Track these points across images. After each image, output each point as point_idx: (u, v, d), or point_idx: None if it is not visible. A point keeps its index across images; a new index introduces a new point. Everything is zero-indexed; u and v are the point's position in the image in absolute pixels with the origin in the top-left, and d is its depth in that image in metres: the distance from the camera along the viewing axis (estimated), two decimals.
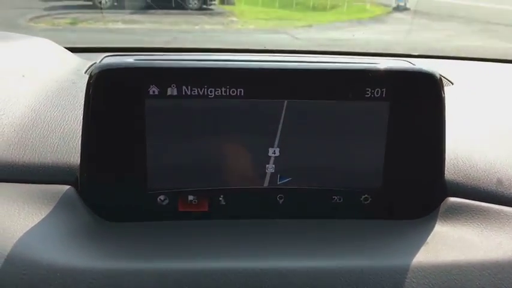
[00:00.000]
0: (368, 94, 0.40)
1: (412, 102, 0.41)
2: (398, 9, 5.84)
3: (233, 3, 4.84)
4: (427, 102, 0.41)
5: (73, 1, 4.59)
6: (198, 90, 0.39)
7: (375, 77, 0.40)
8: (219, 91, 0.39)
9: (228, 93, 0.39)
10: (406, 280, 0.37)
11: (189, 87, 0.39)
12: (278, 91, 0.40)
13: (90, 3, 4.74)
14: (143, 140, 0.39)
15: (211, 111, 0.40)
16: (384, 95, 0.40)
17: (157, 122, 0.39)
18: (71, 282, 0.35)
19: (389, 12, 5.62)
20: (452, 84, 0.65)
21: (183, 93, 0.39)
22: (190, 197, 0.42)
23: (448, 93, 0.45)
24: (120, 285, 0.35)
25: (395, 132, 0.41)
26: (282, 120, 0.40)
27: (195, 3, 4.84)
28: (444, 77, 0.64)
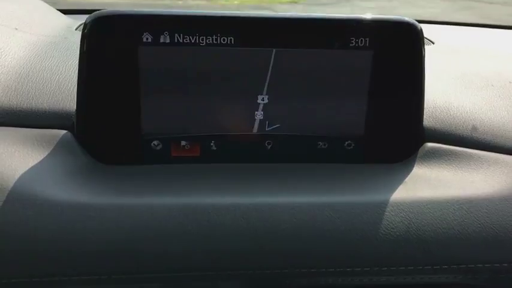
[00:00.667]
0: (352, 43, 0.42)
1: (394, 51, 0.43)
2: None
3: None
4: (408, 52, 0.43)
5: None
6: (190, 38, 0.41)
7: (359, 26, 0.42)
8: (210, 39, 0.41)
9: (218, 42, 0.41)
10: (386, 214, 0.39)
11: (181, 35, 0.41)
12: (267, 40, 0.41)
13: None
14: (137, 86, 0.41)
15: (203, 59, 0.41)
16: (367, 44, 0.42)
17: (151, 68, 0.41)
18: (69, 216, 0.37)
19: None
20: (433, 43, 0.67)
21: (176, 41, 0.41)
22: (183, 143, 0.43)
23: (429, 51, 0.47)
24: (116, 219, 0.37)
25: (377, 80, 0.43)
26: (270, 69, 0.42)
27: None
28: (426, 38, 0.67)
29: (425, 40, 0.60)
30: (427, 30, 0.68)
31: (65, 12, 0.71)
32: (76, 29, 0.63)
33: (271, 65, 0.42)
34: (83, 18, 0.67)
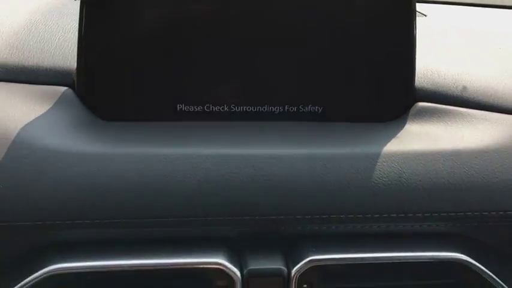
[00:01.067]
0: None
1: (386, 12, 0.44)
2: None
3: None
4: (400, 13, 0.44)
5: None
6: None
7: None
8: None
9: None
10: (378, 165, 0.40)
11: None
12: None
13: None
14: (136, 41, 0.42)
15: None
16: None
17: (148, 29, 0.42)
18: (71, 164, 0.38)
19: None
20: (425, 16, 0.69)
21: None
22: (184, 101, 0.44)
23: (421, 22, 0.48)
24: (117, 167, 0.38)
25: (371, 40, 0.44)
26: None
27: None
28: (418, 11, 0.68)
29: (418, 13, 0.62)
30: (421, 6, 0.70)
31: None
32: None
33: None
34: None
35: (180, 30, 0.42)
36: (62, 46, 0.47)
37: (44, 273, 0.37)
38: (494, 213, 0.41)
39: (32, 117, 0.40)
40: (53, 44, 0.47)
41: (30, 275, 0.37)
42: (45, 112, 0.41)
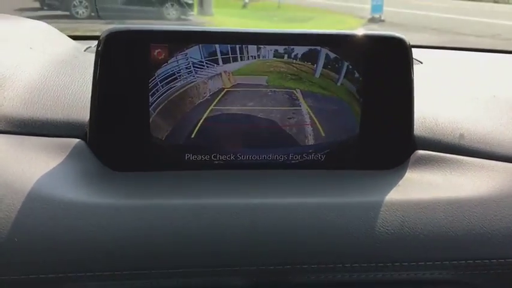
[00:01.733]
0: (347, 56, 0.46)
1: (385, 64, 0.46)
2: (373, 21, 6.01)
3: (211, 14, 4.90)
4: (398, 64, 0.46)
5: (50, 11, 4.60)
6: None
7: (354, 40, 0.45)
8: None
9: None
10: (381, 214, 0.42)
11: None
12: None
13: (67, 13, 4.76)
14: (147, 98, 0.44)
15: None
16: (361, 58, 0.46)
17: (160, 81, 0.44)
18: (83, 216, 0.39)
19: (365, 24, 5.77)
20: (422, 63, 0.71)
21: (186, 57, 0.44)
22: (192, 152, 0.46)
23: (417, 69, 0.50)
24: (127, 219, 0.39)
25: (370, 92, 0.46)
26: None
27: (173, 14, 4.89)
28: (415, 58, 0.70)
29: (414, 60, 0.64)
30: (416, 52, 0.72)
31: (73, 38, 0.74)
32: (85, 51, 0.66)
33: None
34: (89, 43, 0.71)
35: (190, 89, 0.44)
36: (74, 98, 0.48)
37: None
38: (494, 260, 0.42)
39: (45, 169, 0.42)
40: (66, 96, 0.49)
41: None
42: (58, 164, 0.43)
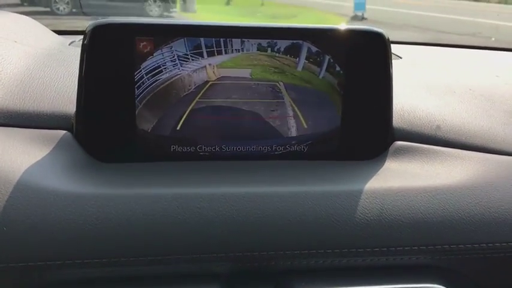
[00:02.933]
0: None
1: (365, 58, 0.48)
2: (356, 18, 6.05)
3: (194, 11, 4.89)
4: (377, 58, 0.48)
5: (30, 7, 4.55)
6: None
7: (334, 35, 0.47)
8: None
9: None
10: (360, 201, 0.43)
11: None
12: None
13: (48, 9, 4.71)
14: (133, 90, 0.45)
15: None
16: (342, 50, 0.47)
17: (146, 73, 0.45)
18: (69, 205, 0.40)
19: (347, 22, 5.82)
20: (401, 58, 0.73)
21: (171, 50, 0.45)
22: (177, 143, 0.47)
23: (396, 64, 0.52)
24: (113, 207, 0.40)
25: (350, 85, 0.48)
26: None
27: (156, 10, 4.88)
28: (394, 53, 0.72)
29: (393, 55, 0.66)
30: (396, 48, 0.74)
31: (57, 33, 0.75)
32: (69, 45, 0.67)
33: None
34: (74, 38, 0.72)
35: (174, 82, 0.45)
36: (60, 91, 0.49)
37: None
38: (469, 245, 0.44)
39: (32, 160, 0.42)
40: (52, 89, 0.49)
41: None
42: (45, 155, 0.43)
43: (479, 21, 5.54)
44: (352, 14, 6.19)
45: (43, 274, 0.39)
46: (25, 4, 4.57)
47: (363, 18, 5.97)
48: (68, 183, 0.41)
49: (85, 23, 0.45)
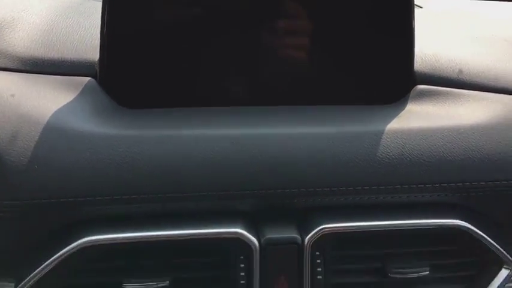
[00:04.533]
0: None
1: (386, 2, 0.47)
2: None
3: None
4: (399, 2, 0.48)
5: None
6: None
7: None
8: None
9: None
10: (382, 141, 0.44)
11: None
12: None
13: None
14: (157, 36, 0.45)
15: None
16: None
17: (170, 19, 0.45)
18: (97, 145, 0.41)
19: None
20: (422, 8, 0.72)
21: None
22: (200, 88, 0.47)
23: (417, 13, 0.51)
24: (139, 148, 0.41)
25: (373, 28, 0.48)
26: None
27: None
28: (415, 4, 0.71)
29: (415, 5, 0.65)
30: None
31: None
32: None
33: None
34: None
35: (195, 26, 0.45)
36: (83, 40, 0.50)
37: (78, 245, 0.40)
38: (490, 183, 0.44)
39: (59, 104, 0.43)
40: (75, 38, 0.50)
41: (65, 247, 0.40)
42: (70, 100, 0.44)
43: None
44: None
45: (75, 210, 0.41)
46: None
47: None
48: (96, 126, 0.42)
49: None
